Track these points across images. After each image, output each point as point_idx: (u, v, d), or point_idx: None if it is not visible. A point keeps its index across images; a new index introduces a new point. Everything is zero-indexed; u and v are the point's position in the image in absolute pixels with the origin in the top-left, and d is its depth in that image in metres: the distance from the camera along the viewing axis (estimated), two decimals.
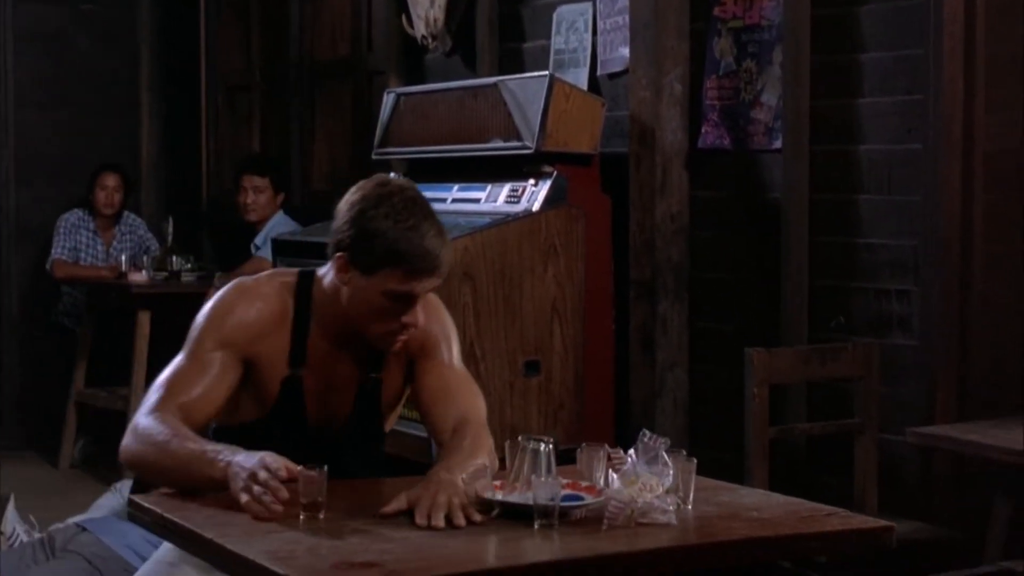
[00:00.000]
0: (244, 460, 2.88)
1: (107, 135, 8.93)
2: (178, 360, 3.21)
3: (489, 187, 5.56)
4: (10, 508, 5.72)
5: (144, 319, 7.55)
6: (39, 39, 8.79)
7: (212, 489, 2.92)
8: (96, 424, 8.04)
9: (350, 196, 3.18)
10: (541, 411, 5.32)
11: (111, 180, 8.19)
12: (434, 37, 6.76)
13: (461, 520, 2.76)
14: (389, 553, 2.55)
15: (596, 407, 5.48)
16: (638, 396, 5.50)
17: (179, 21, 9.17)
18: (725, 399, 5.24)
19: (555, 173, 5.39)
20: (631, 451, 2.90)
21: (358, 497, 2.98)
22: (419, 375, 3.30)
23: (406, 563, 2.50)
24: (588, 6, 6.00)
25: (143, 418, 3.08)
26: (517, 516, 2.79)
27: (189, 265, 7.98)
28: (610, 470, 2.92)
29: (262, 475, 2.83)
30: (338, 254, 3.14)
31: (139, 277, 7.72)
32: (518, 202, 5.40)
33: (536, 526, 2.73)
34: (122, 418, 7.51)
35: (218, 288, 7.30)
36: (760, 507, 2.97)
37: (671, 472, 2.85)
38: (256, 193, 7.54)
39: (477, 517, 2.80)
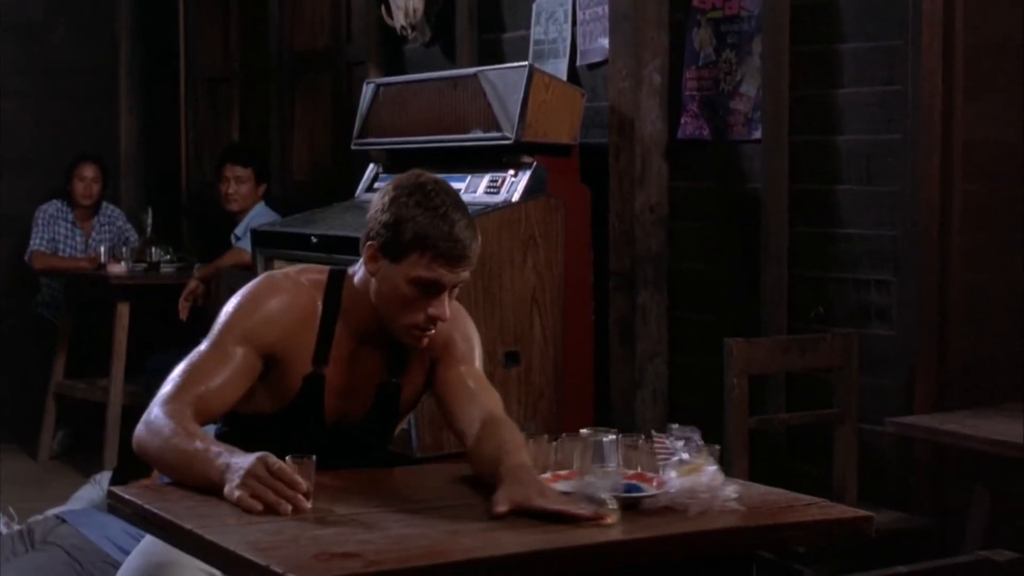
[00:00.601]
0: (241, 461, 2.87)
1: (86, 125, 8.91)
2: (200, 350, 3.19)
3: (469, 178, 5.56)
4: None
5: (123, 310, 7.54)
6: (17, 29, 8.77)
7: (210, 489, 2.90)
8: (75, 416, 8.03)
9: (384, 189, 3.19)
10: (521, 402, 5.32)
11: (89, 171, 8.17)
12: (413, 28, 6.75)
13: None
14: (370, 544, 2.55)
15: (576, 398, 5.49)
16: (618, 386, 5.50)
17: (158, 11, 9.15)
18: (705, 389, 5.25)
19: (535, 164, 5.39)
20: (672, 441, 2.93)
21: (341, 487, 2.98)
22: (441, 374, 3.29)
23: (386, 553, 2.50)
24: None
25: (157, 408, 3.08)
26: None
27: (168, 256, 7.97)
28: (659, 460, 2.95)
29: (261, 471, 2.82)
30: (368, 243, 3.15)
31: (118, 268, 7.70)
32: (498, 193, 5.40)
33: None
34: (101, 410, 7.52)
35: (197, 279, 7.32)
36: (739, 497, 2.97)
37: (713, 460, 2.90)
38: (238, 183, 7.53)
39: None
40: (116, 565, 4.73)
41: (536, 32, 6.19)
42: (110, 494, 3.01)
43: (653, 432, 3.05)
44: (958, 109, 4.71)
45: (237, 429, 3.25)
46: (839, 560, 4.31)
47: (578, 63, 5.98)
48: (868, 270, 4.86)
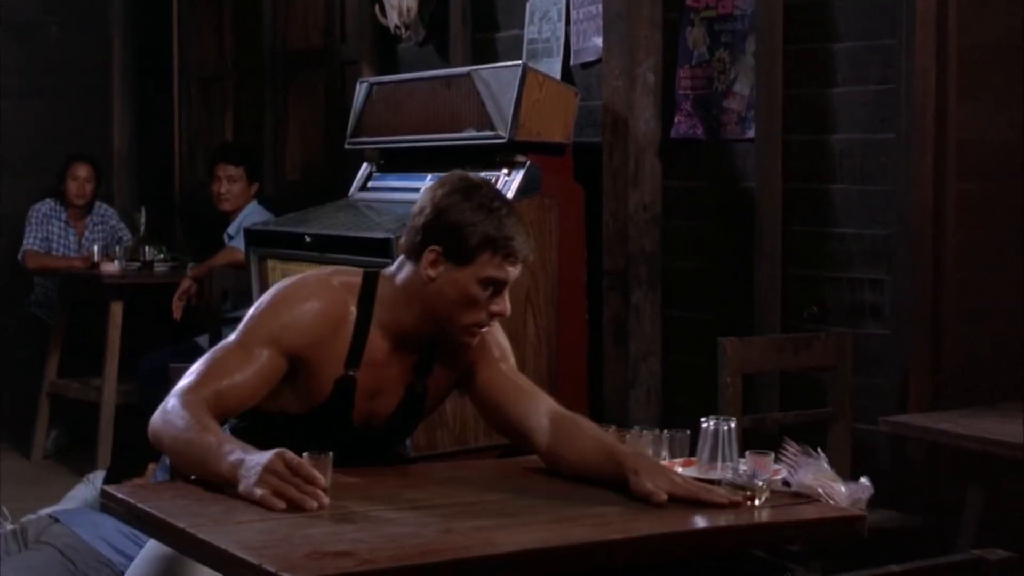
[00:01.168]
0: (257, 457, 2.87)
1: (79, 124, 8.90)
2: (227, 344, 3.19)
3: None
4: None
5: (116, 309, 7.53)
6: (11, 28, 8.76)
7: (219, 483, 2.91)
8: (69, 415, 8.03)
9: (433, 193, 3.21)
10: None
11: (82, 170, 8.15)
12: (407, 27, 6.75)
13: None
14: (363, 542, 2.55)
15: (569, 397, 5.45)
16: (612, 386, 5.50)
17: (152, 10, 9.15)
18: (699, 388, 5.24)
19: (528, 163, 5.38)
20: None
21: (334, 486, 2.98)
22: (484, 377, 3.31)
23: (380, 552, 2.50)
24: None
25: (174, 399, 3.07)
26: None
27: (162, 255, 7.96)
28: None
29: (280, 467, 2.82)
30: (430, 248, 3.16)
31: (111, 267, 7.69)
32: None
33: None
34: (95, 409, 7.51)
35: (190, 279, 7.31)
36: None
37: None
38: (230, 182, 7.51)
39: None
40: (109, 564, 4.74)
41: (530, 31, 6.19)
42: (103, 493, 3.00)
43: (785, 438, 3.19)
44: (951, 108, 4.72)
45: (258, 425, 3.23)
46: (833, 559, 4.31)
47: (572, 62, 5.98)
48: (862, 269, 4.87)
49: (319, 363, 3.18)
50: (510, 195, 5.32)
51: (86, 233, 8.20)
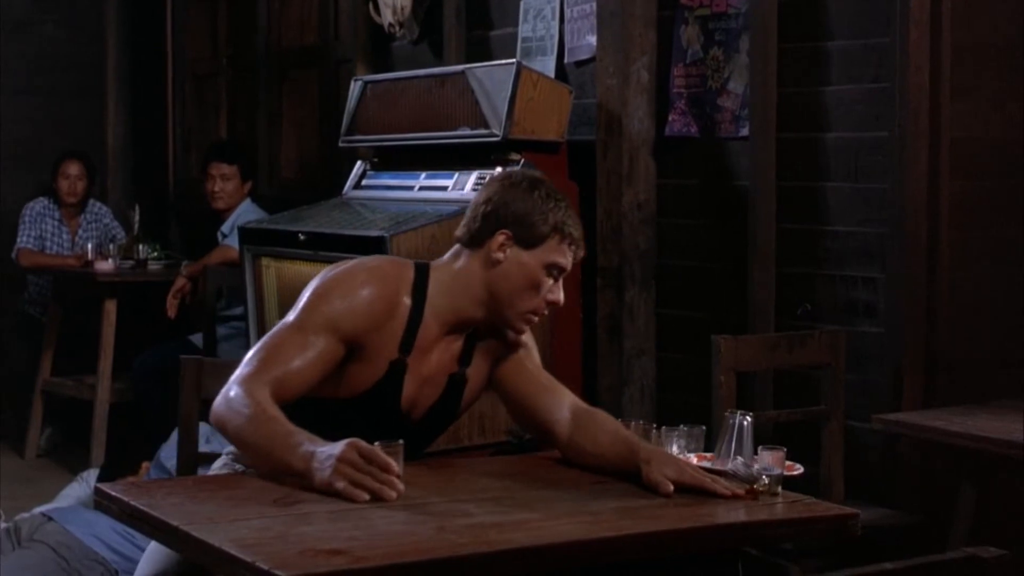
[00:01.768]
0: (328, 449, 2.91)
1: (73, 122, 8.90)
2: (283, 330, 3.20)
3: (456, 175, 5.56)
4: None
5: (110, 307, 7.53)
6: (5, 25, 8.75)
7: (286, 475, 2.94)
8: (63, 413, 8.03)
9: (500, 184, 3.34)
10: None
11: (74, 168, 8.15)
12: (401, 25, 6.75)
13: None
14: (357, 540, 2.55)
15: None
16: (605, 383, 5.50)
17: (146, 7, 9.15)
18: (692, 386, 5.25)
19: (522, 161, 5.38)
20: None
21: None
22: (512, 371, 3.40)
23: (373, 550, 2.50)
24: None
25: (236, 387, 3.08)
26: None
27: (156, 253, 7.96)
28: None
29: (355, 457, 2.87)
30: (501, 231, 3.25)
31: (105, 265, 7.69)
32: None
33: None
34: (89, 407, 7.51)
35: (184, 277, 7.30)
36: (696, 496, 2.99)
37: None
38: (223, 181, 7.51)
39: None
40: (103, 562, 4.74)
41: (524, 29, 6.19)
42: (97, 491, 3.00)
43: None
44: (945, 107, 4.72)
45: (304, 411, 3.23)
46: (826, 556, 4.32)
47: (566, 60, 5.98)
48: (855, 267, 4.87)
49: (374, 348, 3.22)
50: None
51: (80, 231, 8.19)
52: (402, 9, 6.70)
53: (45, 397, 7.92)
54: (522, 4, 6.19)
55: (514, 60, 5.53)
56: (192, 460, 3.73)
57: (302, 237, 5.64)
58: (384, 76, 6.30)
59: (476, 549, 2.55)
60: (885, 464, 4.79)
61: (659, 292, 5.51)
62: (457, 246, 3.35)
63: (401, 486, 2.87)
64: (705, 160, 5.38)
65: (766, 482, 2.94)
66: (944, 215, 4.75)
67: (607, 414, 3.38)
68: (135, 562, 3.55)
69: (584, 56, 5.85)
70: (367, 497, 2.82)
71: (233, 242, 6.88)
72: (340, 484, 2.84)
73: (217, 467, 3.47)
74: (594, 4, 5.63)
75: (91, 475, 5.70)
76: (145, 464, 5.44)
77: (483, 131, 5.44)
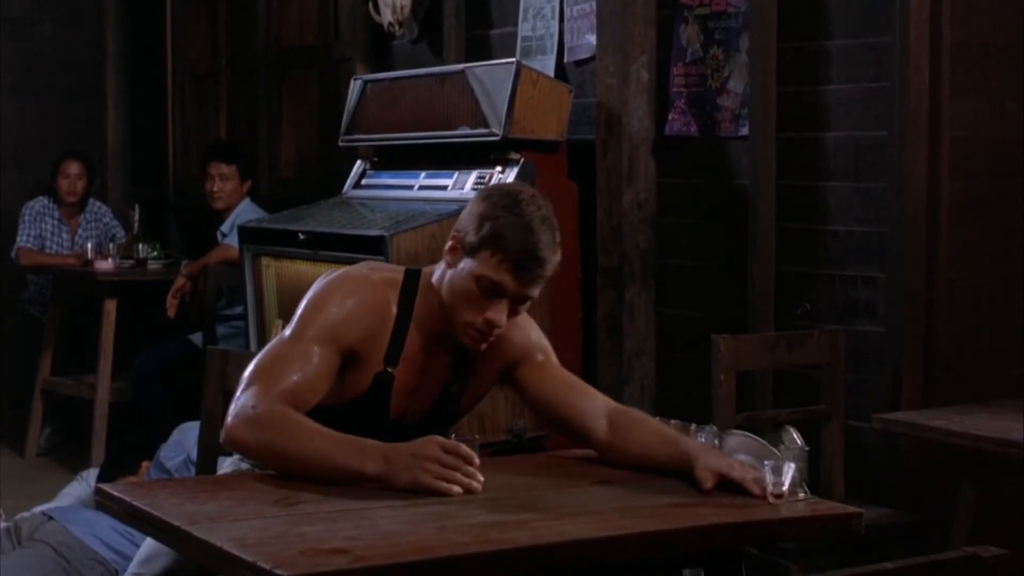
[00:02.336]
0: (403, 447, 2.91)
1: (73, 121, 8.89)
2: (282, 343, 3.15)
3: (456, 174, 5.56)
4: None
5: (110, 307, 7.53)
6: (4, 24, 8.75)
7: (352, 482, 2.91)
8: (63, 412, 8.03)
9: (483, 190, 3.25)
10: (509, 398, 5.31)
11: (73, 168, 8.15)
12: (401, 24, 6.75)
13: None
14: (358, 540, 2.55)
15: None
16: (606, 383, 5.50)
17: (145, 6, 9.14)
18: (692, 386, 5.25)
19: (522, 160, 5.39)
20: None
21: (329, 485, 2.98)
22: (533, 379, 3.31)
23: (375, 549, 2.50)
24: None
25: (255, 405, 3.01)
26: None
27: (155, 253, 7.96)
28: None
29: (438, 452, 2.87)
30: (453, 232, 3.17)
31: (105, 265, 7.69)
32: None
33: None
34: (89, 406, 7.51)
35: (184, 276, 7.30)
36: (727, 492, 2.98)
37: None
38: (222, 181, 7.51)
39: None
40: (103, 562, 4.74)
41: (524, 28, 6.19)
42: (97, 491, 3.00)
43: None
44: (945, 106, 4.72)
45: None
46: (826, 556, 4.32)
47: (565, 59, 5.98)
48: (855, 266, 4.87)
49: (365, 358, 3.18)
50: None
51: (79, 231, 8.19)
52: (402, 8, 6.70)
53: (45, 396, 7.92)
54: (522, 3, 6.19)
55: (514, 59, 5.54)
56: (214, 453, 3.73)
57: (302, 236, 5.64)
58: (384, 75, 6.30)
59: (477, 548, 2.55)
60: (885, 464, 4.79)
61: (659, 292, 5.51)
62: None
63: (482, 478, 2.88)
64: (705, 159, 5.38)
65: (784, 488, 2.91)
66: (944, 215, 4.75)
67: (642, 412, 3.32)
68: None
69: (584, 55, 5.85)
70: (459, 490, 2.84)
71: (233, 241, 6.88)
72: (429, 481, 2.84)
73: (227, 467, 3.46)
74: (594, 3, 5.63)
75: (91, 474, 5.69)
76: (145, 463, 5.44)
77: (483, 130, 5.44)
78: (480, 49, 6.44)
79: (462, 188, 5.47)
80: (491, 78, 5.46)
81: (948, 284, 4.77)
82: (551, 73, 5.88)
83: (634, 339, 5.47)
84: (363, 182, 6.08)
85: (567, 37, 5.96)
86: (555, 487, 3.04)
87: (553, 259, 3.13)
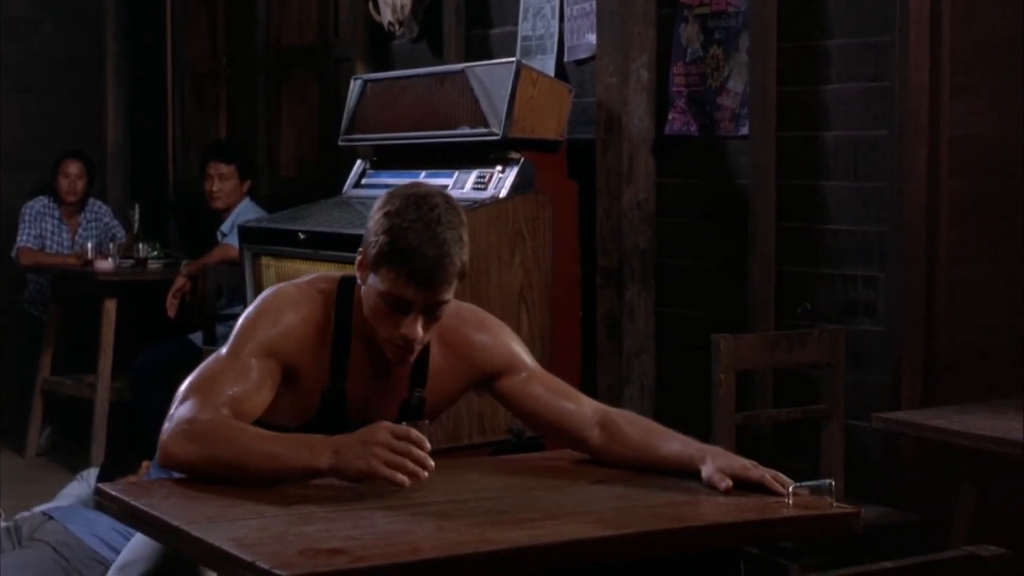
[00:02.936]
0: (350, 436, 2.86)
1: (72, 121, 8.90)
2: (218, 362, 3.08)
3: (456, 174, 5.56)
4: None
5: (110, 307, 7.53)
6: (3, 23, 8.75)
7: (303, 479, 2.88)
8: (62, 412, 8.03)
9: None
10: None
11: (73, 167, 8.15)
12: (401, 23, 6.75)
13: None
14: (356, 540, 2.55)
15: None
16: (605, 383, 5.50)
17: (145, 6, 9.14)
18: (692, 385, 5.26)
19: (522, 160, 5.38)
20: None
21: (326, 483, 2.98)
22: (520, 390, 3.24)
23: (373, 549, 2.50)
24: None
25: (192, 419, 2.94)
26: None
27: (155, 252, 7.97)
28: None
29: (387, 438, 2.82)
30: (359, 250, 3.08)
31: (105, 264, 7.70)
32: (485, 188, 5.40)
33: None
34: (88, 406, 7.51)
35: (184, 276, 7.31)
36: (726, 492, 2.98)
37: None
38: (221, 180, 7.51)
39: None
40: (103, 561, 4.74)
41: (523, 28, 6.19)
42: (97, 491, 2.99)
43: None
44: (945, 105, 4.72)
45: None
46: (826, 555, 4.32)
47: (565, 59, 5.98)
48: (855, 266, 4.87)
49: (307, 373, 3.11)
50: (503, 192, 5.33)
51: (79, 230, 8.20)
52: (402, 8, 6.70)
53: (45, 396, 7.92)
54: (522, 3, 6.19)
55: (514, 59, 5.54)
56: None
57: (302, 236, 5.64)
58: (384, 75, 6.30)
59: (476, 548, 2.55)
60: (884, 463, 4.79)
61: (659, 291, 5.51)
62: None
63: (432, 463, 2.83)
64: (705, 159, 5.38)
65: (806, 493, 2.90)
66: (943, 214, 4.75)
67: (632, 412, 3.27)
68: None
69: (584, 55, 5.85)
70: (408, 481, 2.79)
71: (233, 241, 6.88)
72: (380, 468, 2.79)
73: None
74: (594, 3, 5.63)
75: (91, 474, 5.69)
76: (145, 463, 5.43)
77: (483, 130, 5.44)
78: (480, 49, 6.44)
79: (462, 188, 5.47)
80: (491, 78, 5.46)
81: (948, 284, 4.77)
82: (551, 73, 5.88)
83: (634, 339, 5.47)
84: (363, 182, 6.08)
85: (567, 37, 5.96)
86: (554, 487, 3.04)
87: (457, 259, 2.98)
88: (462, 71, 5.62)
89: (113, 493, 2.93)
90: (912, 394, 4.72)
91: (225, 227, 7.45)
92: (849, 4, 4.88)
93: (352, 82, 6.26)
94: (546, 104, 5.46)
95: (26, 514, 5.13)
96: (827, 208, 4.95)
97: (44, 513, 5.06)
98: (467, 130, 5.52)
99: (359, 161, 6.20)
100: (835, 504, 2.90)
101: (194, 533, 2.60)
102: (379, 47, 7.11)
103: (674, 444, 3.10)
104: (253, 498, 2.82)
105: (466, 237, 3.03)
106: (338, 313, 3.13)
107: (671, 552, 2.80)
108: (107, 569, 4.74)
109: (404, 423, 2.89)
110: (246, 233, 6.12)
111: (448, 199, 3.05)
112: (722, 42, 5.28)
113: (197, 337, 7.11)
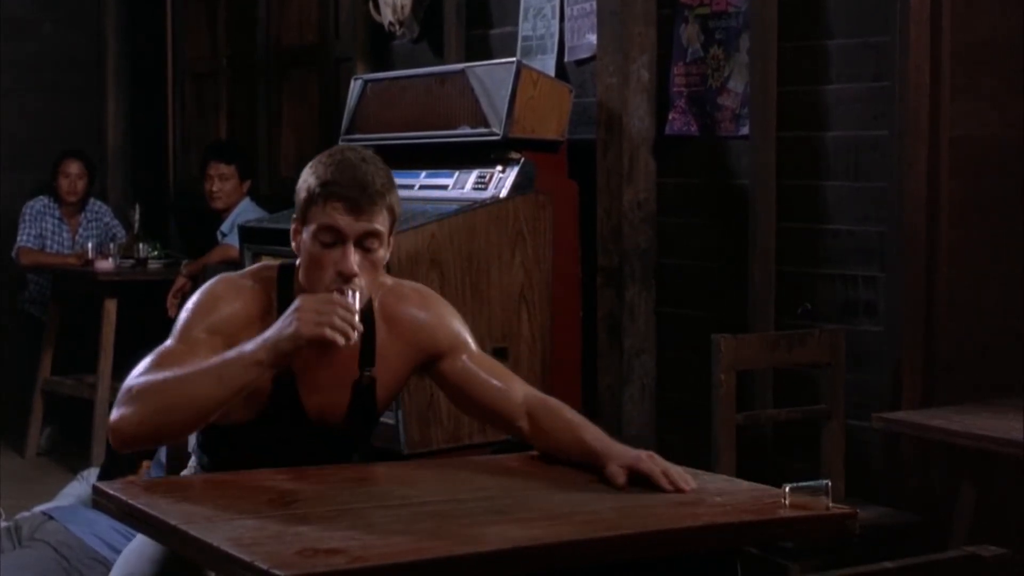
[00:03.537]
0: (279, 322, 2.92)
1: (73, 121, 8.90)
2: (162, 348, 3.11)
3: (456, 174, 5.56)
4: None
5: (111, 307, 7.53)
6: (4, 24, 8.75)
7: (252, 383, 2.93)
8: (63, 412, 8.03)
9: None
10: None
11: (74, 167, 8.15)
12: (401, 23, 6.75)
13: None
14: (355, 539, 2.54)
15: (563, 394, 5.40)
16: (605, 383, 5.50)
17: (145, 6, 9.15)
18: (692, 385, 5.25)
19: (522, 160, 5.38)
20: None
21: (326, 483, 2.98)
22: (449, 370, 3.25)
23: (372, 549, 2.49)
24: None
25: (130, 387, 2.99)
26: None
27: (156, 252, 7.97)
28: None
29: (313, 303, 2.90)
30: (293, 217, 3.15)
31: (105, 264, 7.70)
32: (485, 189, 5.40)
33: None
34: (89, 406, 7.51)
35: (185, 276, 7.31)
36: (724, 493, 2.98)
37: None
38: (222, 181, 7.52)
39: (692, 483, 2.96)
40: (103, 561, 4.74)
41: (524, 28, 6.19)
42: (95, 490, 2.99)
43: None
44: (945, 105, 4.72)
45: (221, 443, 3.23)
46: (826, 555, 4.32)
47: (566, 59, 5.98)
48: (855, 266, 4.87)
49: None
50: (504, 192, 5.33)
51: (80, 230, 8.20)
52: (402, 8, 6.70)
53: (45, 396, 7.92)
54: (522, 3, 6.19)
55: (514, 59, 5.53)
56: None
57: None
58: (384, 75, 6.30)
59: (474, 548, 2.55)
60: (885, 463, 4.79)
61: (659, 291, 5.51)
62: None
63: (361, 326, 2.91)
64: (705, 159, 5.38)
65: (788, 495, 2.89)
66: (944, 214, 4.74)
67: (559, 403, 3.24)
68: None
69: (584, 55, 5.85)
70: (342, 340, 2.86)
71: (233, 241, 6.88)
72: (308, 329, 2.86)
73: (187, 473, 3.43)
74: (594, 3, 5.63)
75: (91, 474, 5.69)
76: (145, 463, 5.43)
77: (483, 130, 5.44)
78: (480, 49, 6.44)
79: (462, 188, 5.47)
80: (491, 78, 5.46)
81: (948, 283, 4.77)
82: (551, 73, 5.88)
83: (634, 339, 5.46)
84: None
85: (567, 37, 5.96)
86: (552, 487, 3.04)
87: (382, 188, 3.07)
88: (462, 71, 5.62)
89: (111, 492, 2.93)
90: (912, 394, 4.72)
91: (225, 227, 7.45)
92: (849, 4, 4.88)
93: (352, 82, 6.26)
94: (546, 104, 5.46)
95: (26, 514, 5.13)
96: (827, 208, 4.95)
97: (44, 513, 5.06)
98: (467, 130, 5.52)
99: None
100: (831, 505, 2.88)
101: (192, 533, 2.60)
102: (379, 47, 7.12)
103: (581, 445, 3.10)
104: (251, 498, 2.82)
105: (394, 182, 3.13)
106: (280, 297, 3.16)
107: (669, 552, 2.80)
108: (107, 569, 4.75)
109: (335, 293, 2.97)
110: (246, 233, 6.11)
111: (373, 154, 3.16)
112: (722, 42, 5.28)
113: None
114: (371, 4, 6.90)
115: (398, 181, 5.91)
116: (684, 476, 2.96)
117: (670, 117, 5.45)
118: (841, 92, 4.91)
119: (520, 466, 3.27)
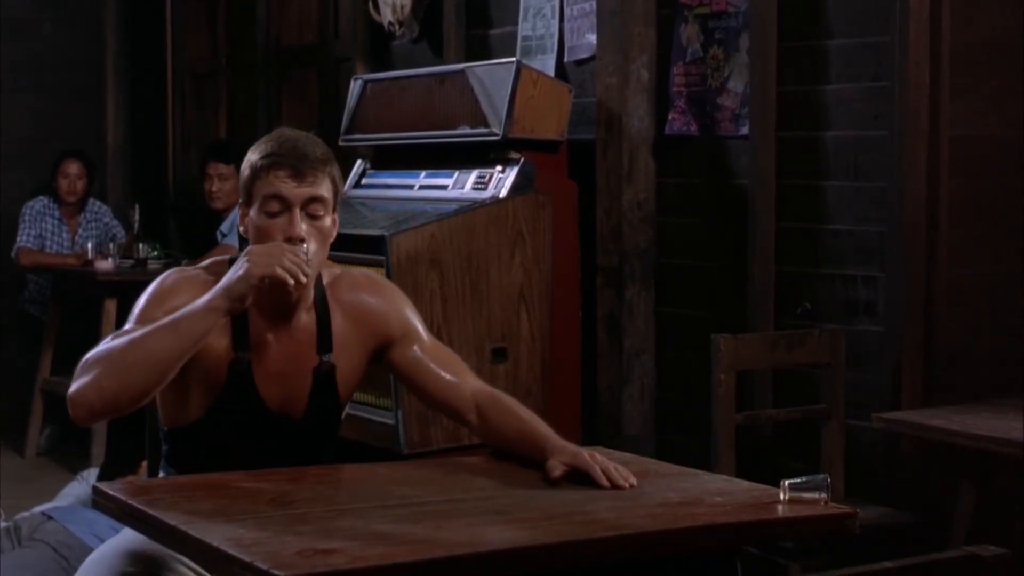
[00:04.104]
0: (229, 272, 2.99)
1: (72, 121, 8.91)
2: (117, 333, 3.16)
3: (456, 174, 5.56)
4: None
5: (110, 307, 7.53)
6: (3, 24, 8.76)
7: (209, 330, 2.99)
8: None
9: None
10: None
11: (73, 167, 8.16)
12: (401, 23, 6.75)
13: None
14: (354, 539, 2.54)
15: (563, 394, 5.48)
16: (605, 383, 5.50)
17: (145, 6, 9.15)
18: (692, 385, 5.25)
19: (522, 160, 5.38)
20: None
21: (325, 483, 2.98)
22: (399, 358, 3.28)
23: (371, 549, 2.49)
24: None
25: (84, 360, 3.08)
26: None
27: (155, 252, 7.97)
28: None
29: (261, 249, 3.00)
30: (239, 202, 3.22)
31: (105, 265, 7.70)
32: (485, 189, 5.40)
33: None
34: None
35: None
36: (724, 492, 2.98)
37: None
38: (221, 181, 7.52)
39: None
40: None
41: (524, 28, 6.19)
42: (95, 490, 2.99)
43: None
44: (945, 105, 4.72)
45: (185, 444, 3.24)
46: (826, 555, 4.32)
47: (566, 59, 5.98)
48: (855, 266, 4.87)
49: (208, 348, 3.10)
50: (503, 192, 5.33)
51: (79, 230, 8.20)
52: (402, 8, 6.70)
53: (45, 396, 7.92)
54: (522, 3, 6.18)
55: (514, 59, 5.54)
56: None
57: None
58: (384, 75, 6.30)
59: (473, 549, 2.55)
60: (885, 463, 4.79)
61: (659, 291, 5.51)
62: None
63: (310, 270, 3.01)
64: (705, 159, 5.38)
65: (787, 491, 2.89)
66: (943, 213, 4.74)
67: (508, 397, 3.28)
68: None
69: (584, 55, 5.85)
70: (291, 280, 2.95)
71: (233, 241, 6.88)
72: (260, 270, 2.94)
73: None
74: (594, 3, 5.63)
75: (91, 474, 5.69)
76: (145, 463, 5.43)
77: (483, 130, 5.44)
78: (480, 49, 6.44)
79: (462, 188, 5.47)
80: (491, 78, 5.46)
81: (948, 284, 4.77)
82: (551, 73, 5.88)
83: (634, 339, 5.46)
84: (363, 182, 6.08)
85: (567, 37, 5.96)
86: (551, 487, 3.04)
87: (323, 156, 3.14)
88: (462, 71, 5.62)
89: (111, 492, 2.93)
90: (912, 394, 4.72)
91: (225, 227, 7.45)
92: (849, 4, 4.88)
93: (352, 82, 6.26)
94: (546, 104, 5.46)
95: (26, 514, 5.13)
96: (827, 208, 4.95)
97: (44, 513, 5.06)
98: (467, 130, 5.52)
99: (359, 161, 6.20)
100: (829, 501, 2.88)
101: (192, 532, 2.60)
102: (379, 47, 7.12)
103: (536, 434, 3.15)
104: (251, 498, 2.82)
105: (334, 157, 3.19)
106: None
107: (669, 552, 2.80)
108: None
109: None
110: None
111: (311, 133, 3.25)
112: (722, 42, 5.28)
113: None
114: (371, 4, 6.90)
115: (398, 181, 5.96)
116: (625, 474, 2.98)
117: (670, 117, 5.45)
118: (841, 92, 4.91)
119: (520, 466, 3.28)
